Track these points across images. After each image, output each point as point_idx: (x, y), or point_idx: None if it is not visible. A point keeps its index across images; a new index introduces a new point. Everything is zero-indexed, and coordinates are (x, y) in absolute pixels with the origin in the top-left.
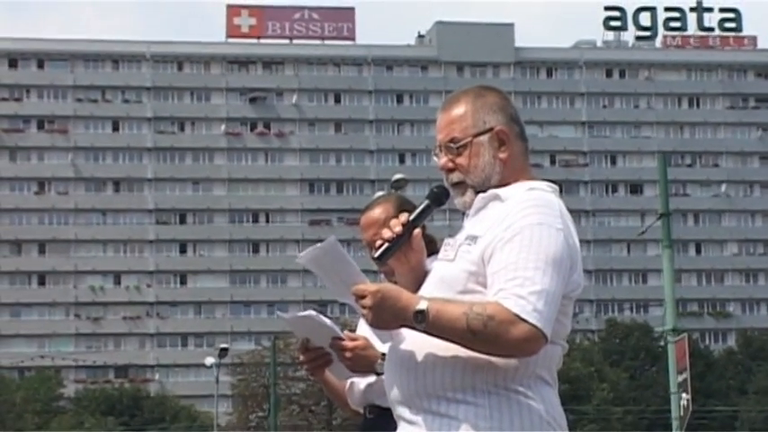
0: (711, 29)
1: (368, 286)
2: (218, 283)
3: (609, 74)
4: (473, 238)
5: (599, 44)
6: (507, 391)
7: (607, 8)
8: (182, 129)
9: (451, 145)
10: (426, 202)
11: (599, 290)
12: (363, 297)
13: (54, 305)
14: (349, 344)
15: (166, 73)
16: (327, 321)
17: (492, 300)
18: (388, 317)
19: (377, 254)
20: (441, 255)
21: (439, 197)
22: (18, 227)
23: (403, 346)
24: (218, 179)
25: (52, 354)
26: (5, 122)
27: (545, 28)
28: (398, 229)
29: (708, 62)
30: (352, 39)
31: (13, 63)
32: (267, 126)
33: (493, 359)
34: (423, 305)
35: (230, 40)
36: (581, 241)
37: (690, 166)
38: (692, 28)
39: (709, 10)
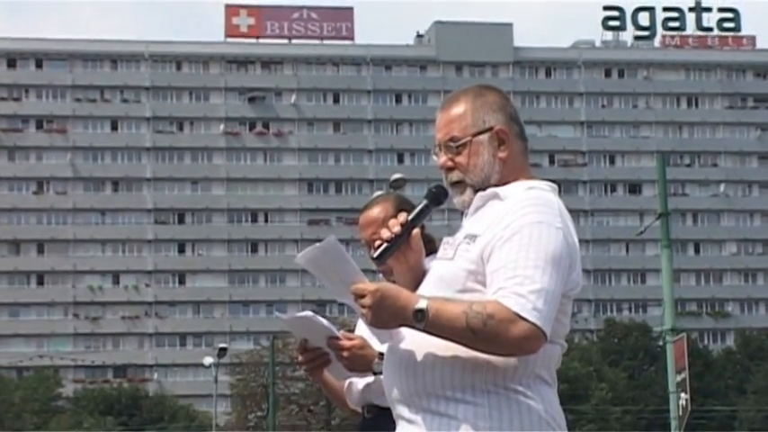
0: (710, 29)
1: (367, 285)
2: (216, 283)
3: (608, 74)
4: (472, 237)
5: (598, 44)
6: (507, 390)
7: (606, 8)
8: (180, 128)
9: (451, 144)
10: (425, 201)
11: (598, 290)
12: (363, 296)
13: (52, 305)
14: (346, 343)
15: (165, 73)
16: (325, 322)
17: (491, 298)
18: (387, 316)
19: (376, 254)
20: (440, 253)
21: (437, 197)
22: (17, 226)
23: (402, 346)
24: (217, 179)
25: (51, 353)
26: (4, 122)
27: (544, 28)
28: (397, 228)
29: (706, 62)
30: (351, 38)
31: (11, 63)
32: (266, 126)
33: (492, 358)
34: (422, 304)
35: (229, 39)
36: (579, 241)
37: (688, 165)
38: (690, 28)
39: (708, 10)
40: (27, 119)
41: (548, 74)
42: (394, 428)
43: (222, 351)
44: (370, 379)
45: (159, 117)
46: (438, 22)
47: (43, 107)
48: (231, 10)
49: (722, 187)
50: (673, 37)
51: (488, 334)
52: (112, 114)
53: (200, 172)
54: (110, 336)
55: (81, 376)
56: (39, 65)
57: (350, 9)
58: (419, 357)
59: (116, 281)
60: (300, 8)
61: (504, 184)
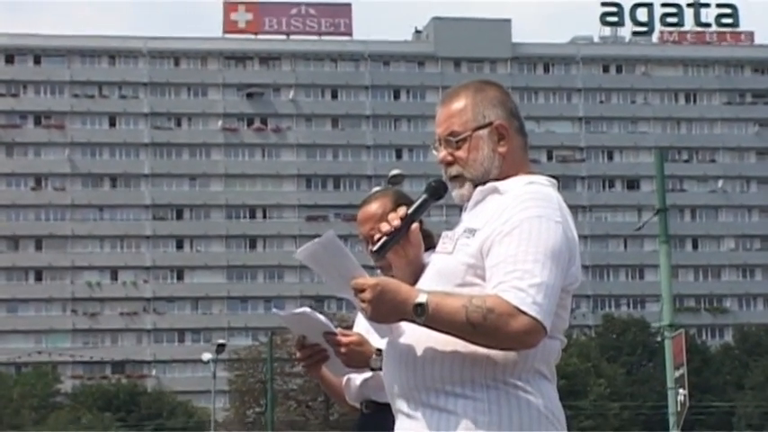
0: (708, 24)
1: (367, 280)
2: (214, 279)
3: (606, 69)
4: (471, 231)
5: (596, 40)
6: (506, 385)
7: (604, 4)
8: (178, 124)
9: (451, 138)
10: (424, 195)
11: (596, 285)
12: (362, 291)
13: (51, 301)
14: (344, 339)
15: (163, 69)
16: (322, 318)
17: (491, 292)
18: (387, 310)
19: (375, 247)
20: (439, 248)
21: (437, 191)
22: (15, 222)
23: (402, 340)
24: (215, 175)
25: (49, 349)
26: (2, 118)
27: (542, 23)
28: (397, 222)
29: (705, 58)
30: (349, 34)
31: (9, 59)
32: (264, 121)
33: (492, 353)
34: (422, 298)
35: (227, 35)
36: (577, 236)
37: (687, 161)
38: (688, 23)
39: (706, 5)
40: (25, 115)
41: (546, 69)
42: (392, 424)
43: (220, 347)
44: (368, 375)
45: (157, 113)
46: (436, 18)
47: (41, 103)
48: (229, 6)
49: (720, 183)
50: (671, 33)
51: (488, 328)
52: (110, 110)
53: (199, 168)
54: (108, 332)
55: (79, 372)
56: (37, 61)
57: (348, 5)
58: (419, 352)
59: (114, 277)
60: (298, 4)
61: (504, 178)
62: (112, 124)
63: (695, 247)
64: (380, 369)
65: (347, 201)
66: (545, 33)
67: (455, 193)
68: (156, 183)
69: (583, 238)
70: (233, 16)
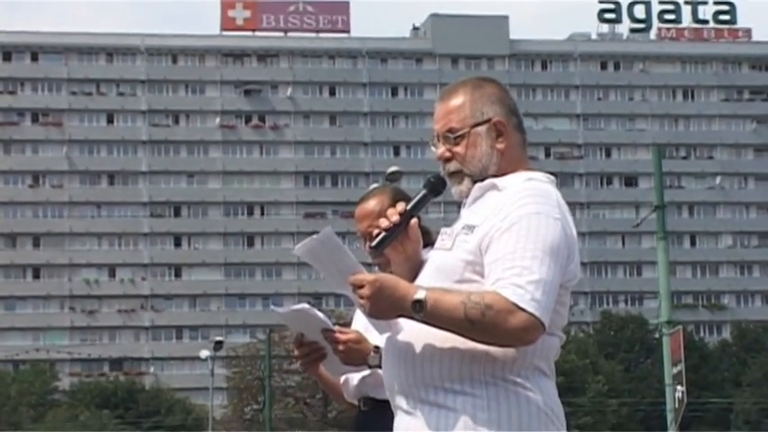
0: (706, 21)
1: (366, 276)
2: (212, 276)
3: (603, 66)
4: (470, 228)
5: (593, 36)
6: (505, 381)
7: (602, 1)
8: (176, 122)
9: (449, 135)
10: (423, 191)
11: (594, 282)
12: (361, 287)
13: (48, 298)
14: (341, 336)
15: (161, 66)
16: (320, 315)
17: (490, 289)
18: (385, 306)
19: (374, 242)
20: (437, 244)
21: (436, 187)
22: (12, 220)
23: (400, 337)
24: (213, 172)
25: (47, 347)
26: (0, 116)
27: (539, 20)
28: (395, 218)
29: (702, 54)
30: (347, 31)
31: (7, 56)
32: (262, 119)
33: (491, 350)
34: (421, 294)
35: (225, 32)
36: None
37: (684, 158)
38: (686, 20)
39: (704, 2)
40: (23, 112)
41: (543, 66)
42: (390, 421)
43: (218, 344)
44: (367, 372)
45: (155, 110)
46: (434, 15)
47: (39, 100)
48: (227, 3)
49: (718, 180)
50: (669, 29)
51: (487, 324)
52: (108, 108)
53: (196, 165)
54: (106, 329)
55: (77, 369)
56: (34, 58)
57: (346, 2)
58: (418, 348)
59: (112, 274)
60: (296, 1)
61: (503, 175)
62: (110, 121)
63: (693, 243)
64: (378, 366)
65: (345, 198)
66: (543, 30)
67: (454, 190)
68: (153, 180)
69: (581, 234)
70: (230, 13)
